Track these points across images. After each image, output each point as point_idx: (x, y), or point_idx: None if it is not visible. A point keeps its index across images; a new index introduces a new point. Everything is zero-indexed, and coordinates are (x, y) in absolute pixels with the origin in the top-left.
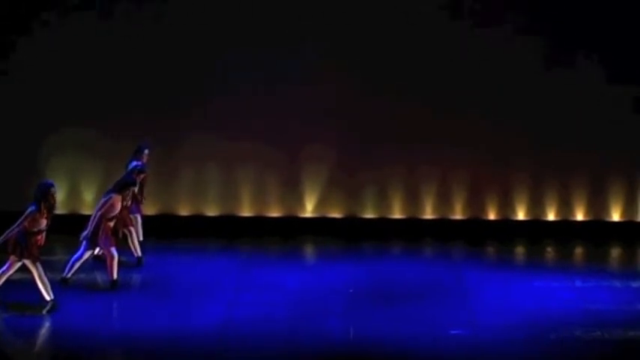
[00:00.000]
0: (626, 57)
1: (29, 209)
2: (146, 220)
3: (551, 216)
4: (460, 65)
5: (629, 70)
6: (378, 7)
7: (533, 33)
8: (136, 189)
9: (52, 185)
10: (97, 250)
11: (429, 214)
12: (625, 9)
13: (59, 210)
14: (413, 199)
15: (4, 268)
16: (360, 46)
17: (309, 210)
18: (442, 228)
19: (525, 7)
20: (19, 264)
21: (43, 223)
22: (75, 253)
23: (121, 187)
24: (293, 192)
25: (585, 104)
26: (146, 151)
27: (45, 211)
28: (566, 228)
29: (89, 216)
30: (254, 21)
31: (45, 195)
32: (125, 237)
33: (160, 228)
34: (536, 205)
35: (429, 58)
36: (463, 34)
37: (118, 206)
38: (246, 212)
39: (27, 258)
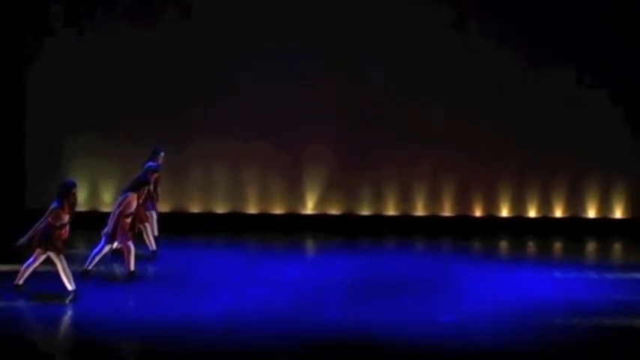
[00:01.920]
0: (602, 66)
1: (52, 205)
2: (160, 216)
3: (532, 213)
4: (450, 73)
5: (606, 78)
6: (378, 9)
7: (517, 42)
8: (151, 187)
9: (73, 184)
10: (115, 245)
11: (420, 212)
12: (599, 17)
13: (81, 208)
14: (405, 198)
15: (30, 260)
16: (360, 49)
17: (309, 208)
18: (432, 224)
19: (515, 16)
20: (44, 256)
21: (66, 218)
22: (95, 247)
23: (136, 186)
24: (295, 191)
25: (563, 109)
26: (162, 154)
27: (67, 207)
28: (546, 224)
29: (108, 213)
30: (261, 25)
31: (67, 193)
32: (141, 232)
33: (173, 224)
34: (518, 203)
35: (422, 63)
36: (459, 39)
37: (134, 204)
38: (251, 210)
39: (51, 250)
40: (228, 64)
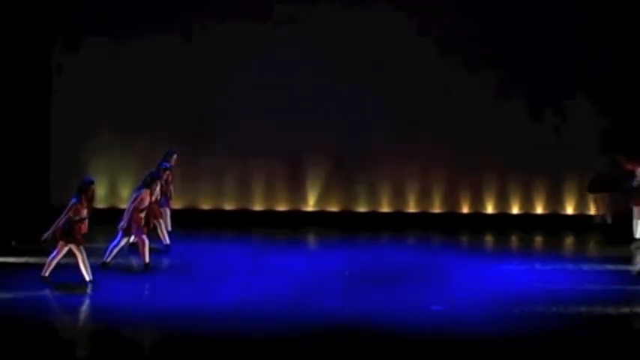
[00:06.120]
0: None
1: (72, 201)
2: (173, 212)
3: (515, 210)
4: (441, 79)
5: (588, 91)
6: (376, 16)
7: (503, 52)
8: (164, 186)
9: (91, 181)
10: (131, 239)
11: (412, 208)
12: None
13: (101, 204)
14: (399, 196)
15: (54, 253)
16: (359, 55)
17: (311, 205)
18: (423, 220)
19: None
20: (66, 249)
21: (84, 212)
22: (112, 241)
23: (149, 183)
24: (297, 189)
25: (544, 116)
26: (174, 156)
27: (85, 203)
28: (527, 220)
29: (125, 209)
30: (271, 30)
31: (85, 189)
32: (155, 227)
33: (185, 220)
34: (502, 200)
35: (414, 68)
36: (443, 46)
37: (147, 200)
38: (258, 207)
39: (72, 243)
40: (239, 69)
